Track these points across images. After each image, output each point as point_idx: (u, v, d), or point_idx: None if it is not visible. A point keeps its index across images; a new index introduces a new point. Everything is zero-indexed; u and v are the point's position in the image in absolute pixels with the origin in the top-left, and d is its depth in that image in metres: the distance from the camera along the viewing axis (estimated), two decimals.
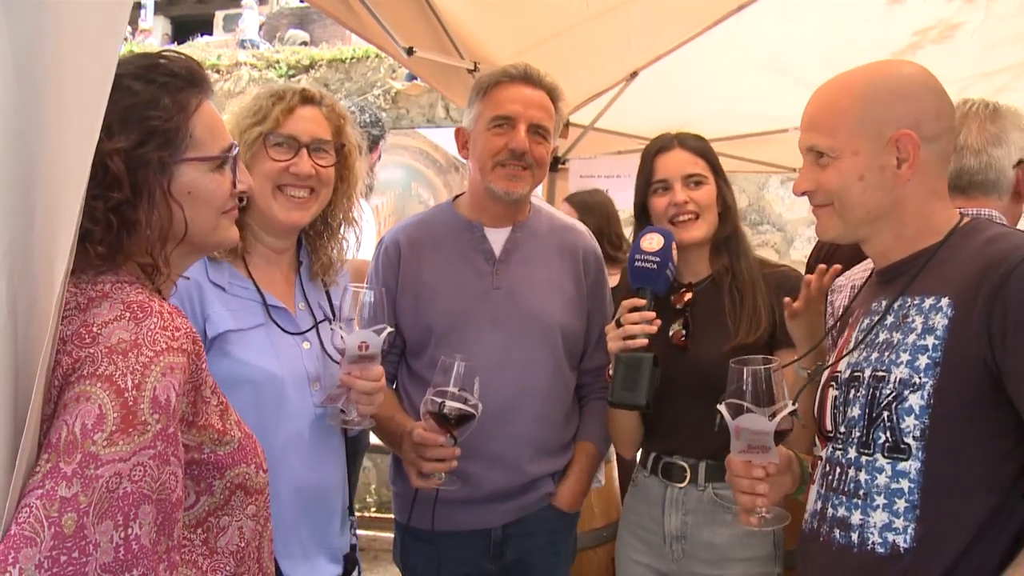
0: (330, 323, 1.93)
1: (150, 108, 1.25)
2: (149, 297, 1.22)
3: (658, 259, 1.98)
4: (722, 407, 1.60)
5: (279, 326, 1.83)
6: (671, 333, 2.13)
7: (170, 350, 1.15)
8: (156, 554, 1.10)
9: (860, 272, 1.98)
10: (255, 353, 1.79)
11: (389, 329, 1.86)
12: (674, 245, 2.02)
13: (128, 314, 1.16)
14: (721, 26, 3.51)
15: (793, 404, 1.59)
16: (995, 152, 2.00)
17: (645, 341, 1.94)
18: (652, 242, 2.01)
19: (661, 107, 3.94)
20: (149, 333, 1.15)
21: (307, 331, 1.89)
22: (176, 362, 1.15)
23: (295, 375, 1.84)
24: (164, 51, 1.37)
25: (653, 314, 1.96)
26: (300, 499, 1.84)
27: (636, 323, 1.95)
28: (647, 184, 2.19)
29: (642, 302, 1.97)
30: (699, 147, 2.19)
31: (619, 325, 1.98)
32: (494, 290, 2.21)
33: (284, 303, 1.88)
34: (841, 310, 1.84)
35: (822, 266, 1.90)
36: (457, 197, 2.39)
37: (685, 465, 2.12)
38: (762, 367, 1.58)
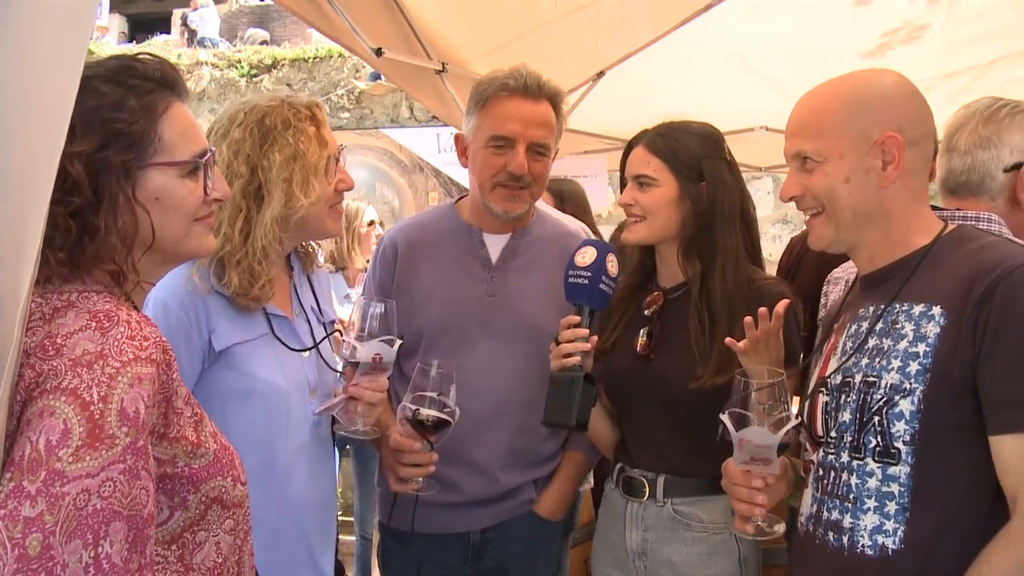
0: (336, 335, 1.95)
1: (115, 110, 1.21)
2: (117, 306, 1.18)
3: (589, 274, 1.93)
4: (725, 417, 1.58)
5: (283, 342, 1.84)
6: (638, 341, 2.05)
7: (138, 360, 1.11)
8: (128, 573, 1.06)
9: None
10: (261, 366, 1.78)
11: (400, 341, 1.85)
12: (610, 257, 1.95)
13: (94, 324, 1.12)
14: (688, 26, 3.51)
15: (797, 418, 1.57)
16: (981, 155, 2.00)
17: (578, 359, 1.90)
18: (584, 256, 1.96)
19: (628, 106, 3.94)
20: (116, 343, 1.11)
21: (312, 348, 1.90)
22: (145, 372, 1.11)
23: (298, 385, 1.84)
24: (140, 54, 1.32)
25: (587, 331, 1.92)
26: (310, 510, 1.86)
27: (570, 340, 1.91)
28: (621, 181, 2.13)
29: (577, 319, 1.93)
30: (660, 145, 2.02)
31: (559, 343, 1.93)
32: (488, 297, 2.18)
33: (283, 310, 1.88)
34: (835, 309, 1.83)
35: (763, 310, 1.79)
36: (460, 199, 2.36)
37: (644, 479, 2.03)
38: (767, 380, 1.56)
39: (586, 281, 1.93)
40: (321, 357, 1.93)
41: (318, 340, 1.92)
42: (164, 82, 1.29)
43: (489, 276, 2.20)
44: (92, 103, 1.19)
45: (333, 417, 1.91)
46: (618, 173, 2.19)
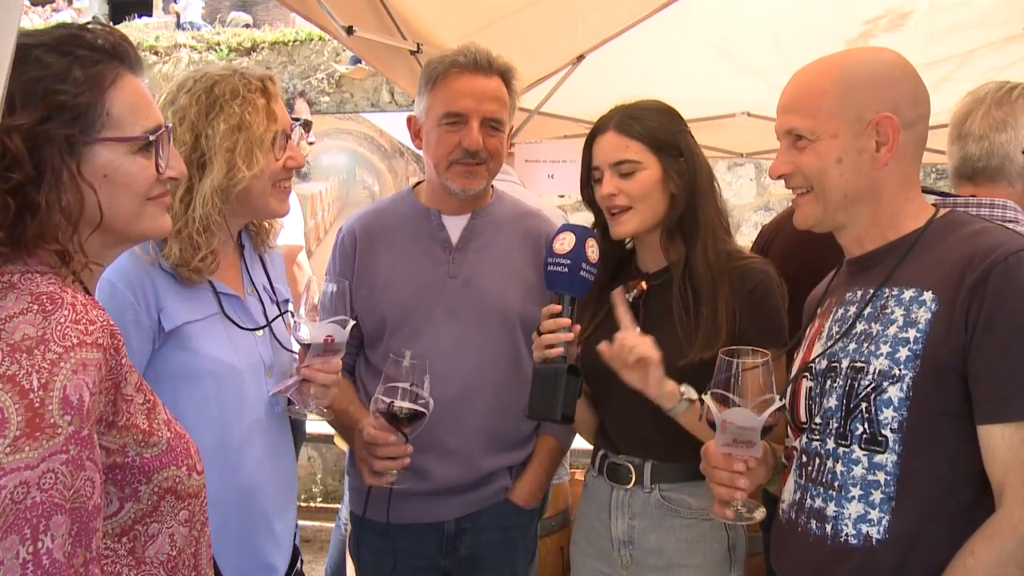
0: (289, 315, 1.92)
1: (58, 82, 1.15)
2: (62, 288, 1.12)
3: (568, 261, 1.87)
4: (708, 398, 1.54)
5: (233, 321, 1.80)
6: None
7: (82, 345, 1.06)
8: (72, 568, 1.02)
9: None
10: (213, 345, 1.75)
11: (352, 322, 1.83)
12: (590, 242, 1.90)
13: (36, 307, 1.07)
14: (669, 9, 3.46)
15: (781, 400, 1.54)
16: (998, 137, 1.99)
17: (561, 351, 1.86)
18: (563, 243, 1.90)
19: (607, 91, 3.86)
20: (58, 327, 1.06)
21: (264, 327, 1.86)
22: (89, 358, 1.06)
23: (252, 365, 1.81)
24: (91, 23, 1.26)
25: (568, 321, 1.87)
26: (266, 489, 1.83)
27: (552, 331, 1.86)
28: (587, 172, 2.05)
29: (558, 308, 1.88)
30: (636, 127, 1.94)
31: (540, 334, 1.89)
32: (450, 279, 2.15)
33: (233, 289, 1.84)
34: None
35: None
36: (417, 184, 2.32)
37: (630, 466, 1.99)
38: (751, 360, 1.52)
39: (565, 269, 1.88)
40: (275, 337, 1.89)
41: (270, 319, 1.89)
42: (113, 53, 1.23)
43: (450, 258, 2.17)
44: (34, 74, 1.14)
45: (288, 398, 1.87)
46: None
